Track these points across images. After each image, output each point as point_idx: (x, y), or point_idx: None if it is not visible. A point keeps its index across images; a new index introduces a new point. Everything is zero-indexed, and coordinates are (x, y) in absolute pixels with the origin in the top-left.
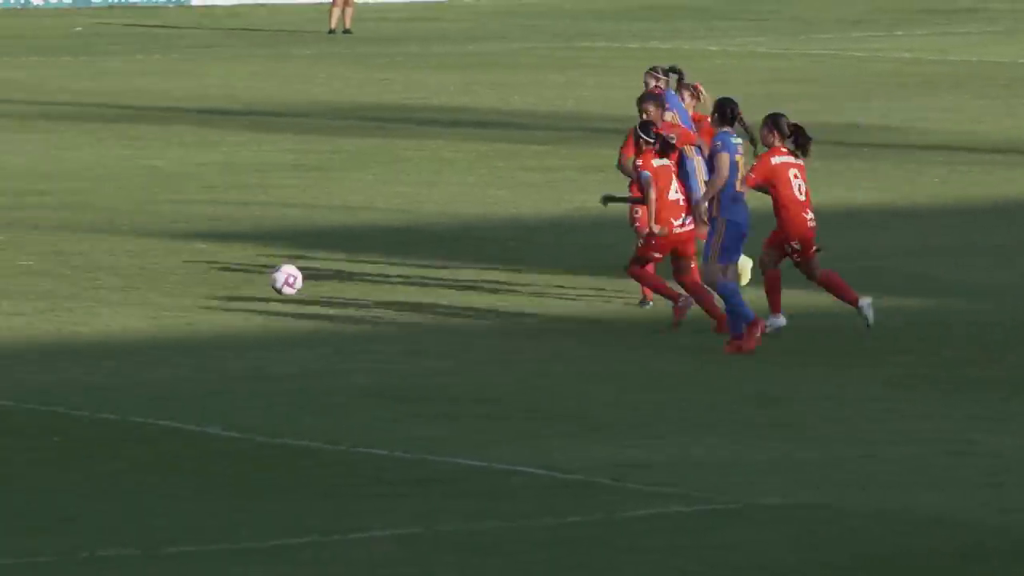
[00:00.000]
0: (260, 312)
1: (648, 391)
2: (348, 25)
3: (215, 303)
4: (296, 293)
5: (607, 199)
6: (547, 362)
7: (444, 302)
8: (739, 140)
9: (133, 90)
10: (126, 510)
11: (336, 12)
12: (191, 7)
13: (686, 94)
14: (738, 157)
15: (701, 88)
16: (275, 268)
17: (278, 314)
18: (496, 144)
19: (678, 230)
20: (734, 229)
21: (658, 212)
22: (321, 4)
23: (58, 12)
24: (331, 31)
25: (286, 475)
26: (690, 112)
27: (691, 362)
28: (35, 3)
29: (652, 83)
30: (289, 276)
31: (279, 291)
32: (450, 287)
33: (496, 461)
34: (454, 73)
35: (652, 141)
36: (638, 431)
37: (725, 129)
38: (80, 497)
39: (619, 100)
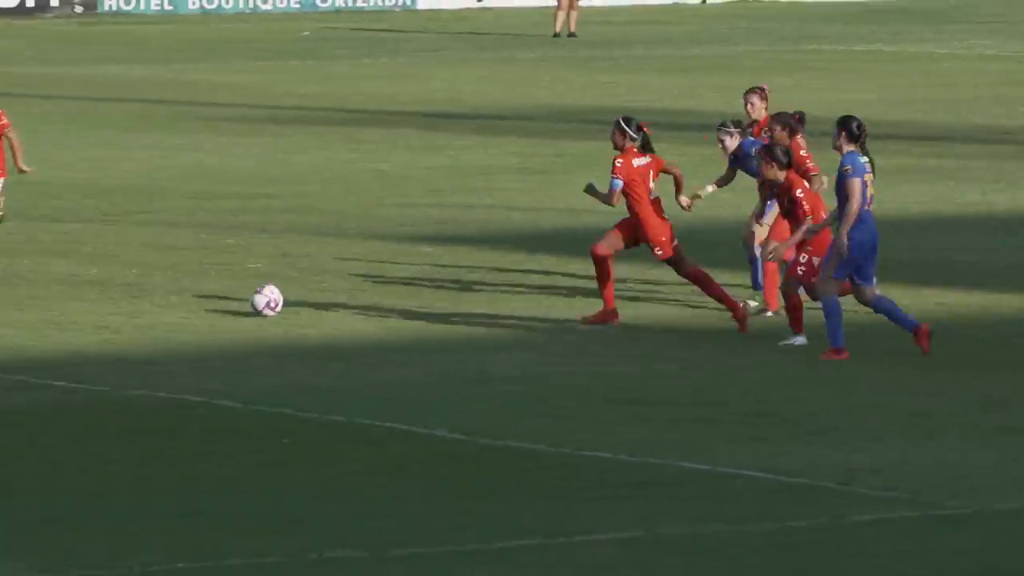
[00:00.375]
0: (484, 315)
1: (870, 394)
2: (573, 28)
3: (440, 306)
4: (276, 316)
5: (588, 188)
6: (771, 365)
7: (668, 304)
8: (866, 159)
9: (359, 94)
10: (354, 512)
11: (561, 16)
12: (417, 11)
13: (755, 97)
14: (867, 176)
15: (766, 89)
16: (258, 289)
17: (502, 316)
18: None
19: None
20: (858, 248)
21: (647, 214)
22: (546, 8)
23: (286, 16)
24: (556, 35)
25: (509, 477)
26: (763, 114)
27: (910, 366)
28: (263, 8)
29: (727, 140)
30: (271, 300)
31: (259, 312)
32: (675, 288)
33: (720, 464)
34: (678, 76)
35: (635, 137)
36: (863, 434)
37: (852, 149)
38: (308, 499)
39: (844, 104)
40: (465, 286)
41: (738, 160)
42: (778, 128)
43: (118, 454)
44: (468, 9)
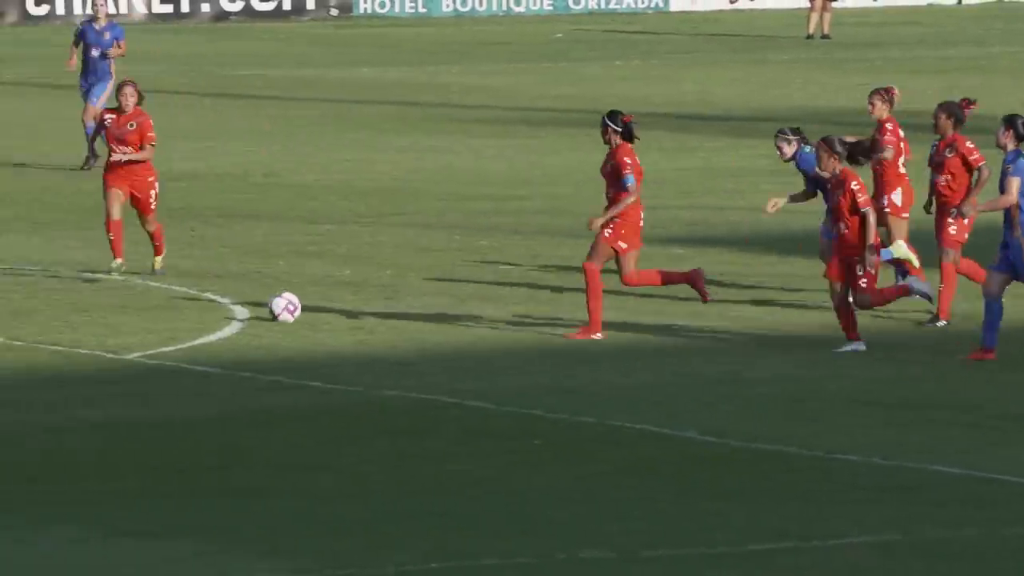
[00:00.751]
0: (735, 317)
1: None
2: (827, 30)
3: (692, 308)
4: (294, 320)
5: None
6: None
7: (918, 307)
8: None
9: (611, 96)
10: (604, 513)
11: (814, 17)
12: (669, 13)
13: (877, 98)
14: None
15: (896, 91)
16: (278, 294)
17: (753, 318)
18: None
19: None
20: (1017, 250)
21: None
22: (799, 9)
23: (539, 19)
24: (808, 36)
25: (760, 480)
26: (884, 115)
27: None
28: (516, 10)
29: (784, 147)
30: (290, 304)
31: (276, 317)
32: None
33: (975, 469)
34: (932, 78)
35: (619, 129)
36: None
37: (1017, 147)
38: (559, 499)
39: None
40: (716, 288)
41: (815, 183)
42: (943, 117)
43: (372, 455)
44: (720, 11)
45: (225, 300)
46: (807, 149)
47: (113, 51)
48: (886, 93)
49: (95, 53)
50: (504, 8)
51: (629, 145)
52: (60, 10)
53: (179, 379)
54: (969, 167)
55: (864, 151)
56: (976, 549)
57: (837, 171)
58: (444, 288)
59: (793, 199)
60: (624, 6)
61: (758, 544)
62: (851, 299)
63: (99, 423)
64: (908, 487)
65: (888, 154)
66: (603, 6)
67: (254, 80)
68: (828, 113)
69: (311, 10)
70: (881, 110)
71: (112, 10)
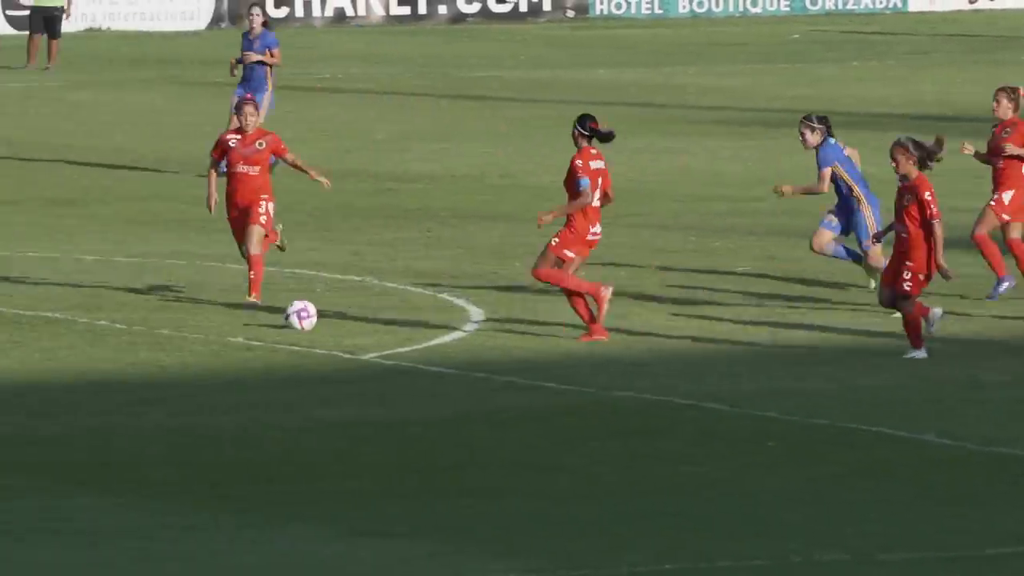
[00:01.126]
0: (971, 319)
1: None
2: None
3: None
4: (304, 328)
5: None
6: None
7: None
8: None
9: (848, 96)
10: (839, 515)
11: None
12: (907, 13)
13: (1004, 96)
14: None
15: (1021, 90)
16: (295, 303)
17: (993, 323)
18: None
19: (592, 237)
20: None
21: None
22: None
23: (775, 19)
24: None
25: (999, 484)
26: (1009, 115)
27: None
28: (753, 11)
29: (808, 135)
30: (303, 310)
31: (287, 319)
32: None
33: None
34: None
35: (587, 135)
36: None
37: None
38: (794, 501)
39: None
40: (954, 290)
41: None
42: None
43: (606, 455)
44: (960, 11)
45: (460, 301)
46: (832, 141)
47: (266, 58)
48: (1013, 92)
49: (250, 63)
50: (740, 9)
51: (591, 149)
52: (299, 12)
53: (414, 380)
54: None
55: (930, 155)
56: None
57: (912, 176)
58: (679, 290)
59: (807, 191)
60: (861, 6)
61: (995, 548)
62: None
63: (336, 423)
64: None
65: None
66: (840, 6)
67: (490, 82)
68: None
69: (547, 11)
70: (1006, 109)
71: (351, 12)
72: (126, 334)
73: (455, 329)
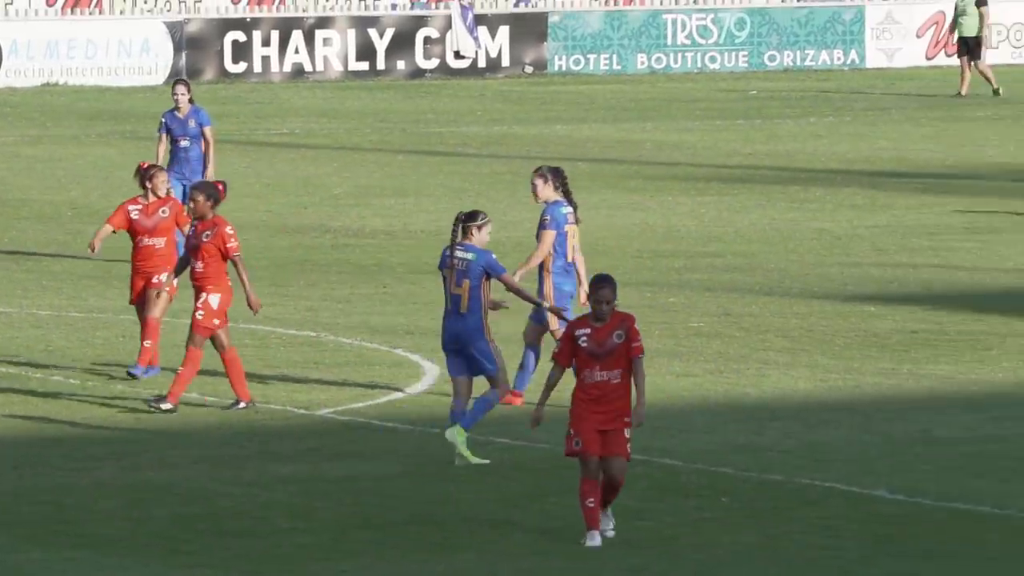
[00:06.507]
0: (927, 375)
1: None
2: (964, 91)
3: (882, 366)
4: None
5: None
6: None
7: None
8: None
9: (804, 153)
10: (793, 571)
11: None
12: (865, 69)
13: None
14: None
15: None
16: None
17: (946, 376)
18: None
19: None
20: None
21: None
22: (997, 66)
23: (734, 76)
24: (996, 91)
25: (952, 540)
26: None
27: None
28: (711, 67)
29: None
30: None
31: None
32: None
33: None
34: None
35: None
36: None
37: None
38: (748, 557)
39: None
40: (908, 346)
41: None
42: None
43: (559, 511)
44: (917, 67)
45: (415, 357)
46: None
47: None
48: None
49: (184, 144)
50: (698, 65)
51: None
52: (257, 68)
53: (368, 435)
54: None
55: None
56: None
57: None
58: None
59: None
60: (819, 63)
61: None
62: None
63: (289, 478)
64: None
65: None
66: (798, 63)
67: (449, 137)
68: None
69: (506, 67)
70: None
71: (309, 67)
72: (79, 389)
73: (409, 385)
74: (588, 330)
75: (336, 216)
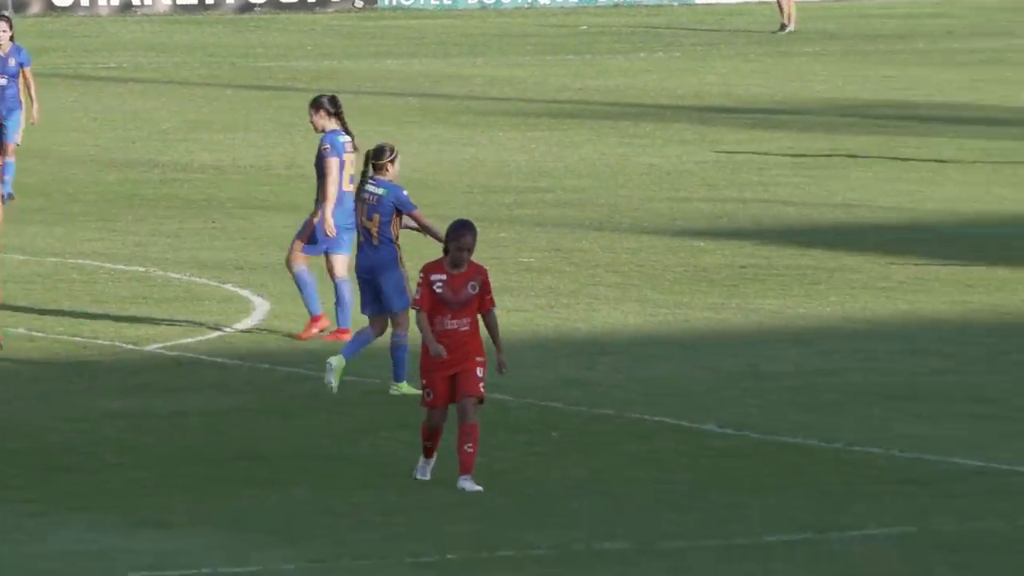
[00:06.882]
0: (755, 309)
1: None
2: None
3: (712, 300)
4: None
5: None
6: None
7: (943, 301)
8: None
9: (634, 88)
10: (621, 505)
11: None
12: (694, 5)
13: None
14: None
15: None
16: None
17: (773, 311)
18: (1001, 142)
19: None
20: None
21: None
22: (826, 2)
23: (564, 11)
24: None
25: (780, 473)
26: None
27: None
28: (542, 2)
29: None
30: None
31: None
32: (950, 286)
33: (994, 461)
34: (958, 70)
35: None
36: None
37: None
38: (576, 491)
39: None
40: (737, 281)
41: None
42: None
43: (390, 446)
44: (747, 3)
45: (245, 292)
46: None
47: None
48: None
49: (1, 82)
50: (529, 1)
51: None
52: (84, 1)
53: (198, 370)
54: None
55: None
56: (993, 541)
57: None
58: None
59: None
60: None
61: (776, 536)
62: None
63: (118, 413)
64: (926, 480)
65: None
66: (629, 0)
67: (278, 72)
68: (853, 105)
69: (336, 2)
70: None
71: (136, 1)
72: None
73: (239, 320)
74: (444, 276)
75: (164, 151)
